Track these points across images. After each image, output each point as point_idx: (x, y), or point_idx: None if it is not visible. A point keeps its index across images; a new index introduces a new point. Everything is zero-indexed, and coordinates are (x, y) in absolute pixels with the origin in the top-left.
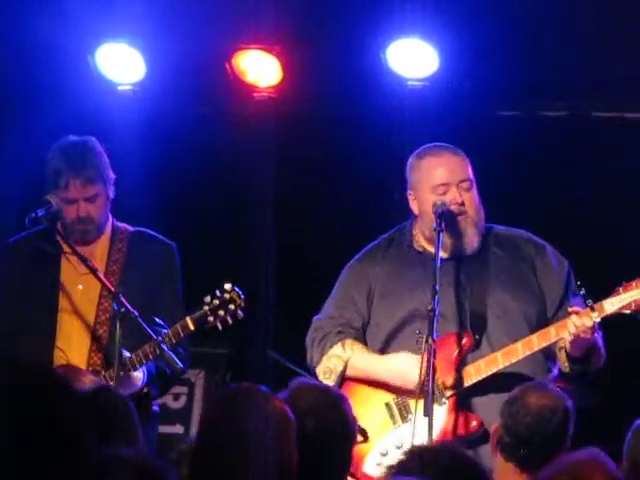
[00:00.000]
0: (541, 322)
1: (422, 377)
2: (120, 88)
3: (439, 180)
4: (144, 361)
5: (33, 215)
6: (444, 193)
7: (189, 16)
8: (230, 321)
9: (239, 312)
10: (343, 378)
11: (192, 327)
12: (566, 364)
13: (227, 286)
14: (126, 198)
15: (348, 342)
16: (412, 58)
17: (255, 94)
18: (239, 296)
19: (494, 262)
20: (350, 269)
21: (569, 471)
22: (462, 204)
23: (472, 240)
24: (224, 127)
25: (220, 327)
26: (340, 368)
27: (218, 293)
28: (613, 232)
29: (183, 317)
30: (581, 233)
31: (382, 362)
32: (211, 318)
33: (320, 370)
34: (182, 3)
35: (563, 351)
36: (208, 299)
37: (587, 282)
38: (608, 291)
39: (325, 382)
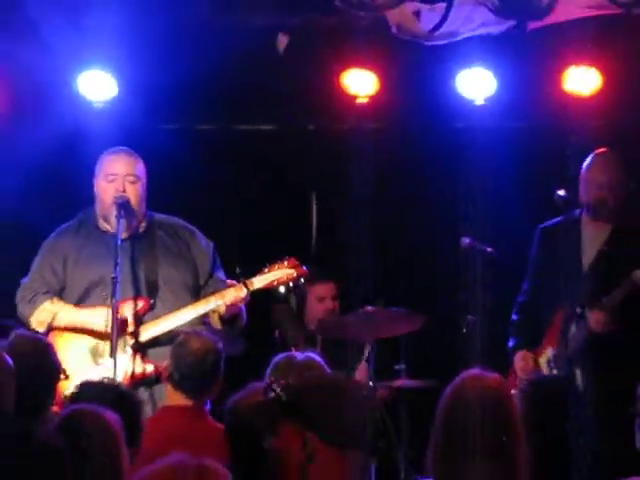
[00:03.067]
0: (197, 288)
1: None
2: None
3: (110, 170)
4: None
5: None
6: (112, 181)
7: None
8: None
9: None
10: (51, 327)
11: None
12: (218, 324)
13: None
14: None
15: (55, 299)
16: (97, 85)
17: None
18: None
19: (159, 242)
20: (47, 244)
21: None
22: (124, 191)
23: (138, 223)
24: None
25: None
26: (49, 320)
27: None
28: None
29: None
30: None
31: (83, 312)
32: None
33: (33, 321)
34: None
35: (216, 314)
36: None
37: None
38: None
39: (38, 329)
